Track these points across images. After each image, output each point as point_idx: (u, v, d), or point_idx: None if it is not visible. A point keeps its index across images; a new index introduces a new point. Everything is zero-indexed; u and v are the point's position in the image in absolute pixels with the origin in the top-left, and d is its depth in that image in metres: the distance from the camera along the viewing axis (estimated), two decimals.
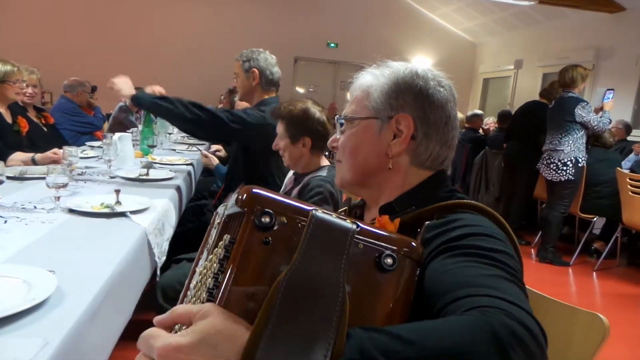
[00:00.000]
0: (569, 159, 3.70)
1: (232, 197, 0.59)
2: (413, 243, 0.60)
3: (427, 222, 0.71)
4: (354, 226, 0.55)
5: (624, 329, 2.83)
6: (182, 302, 0.71)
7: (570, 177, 3.72)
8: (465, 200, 0.74)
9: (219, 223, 0.66)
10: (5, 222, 1.37)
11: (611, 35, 6.45)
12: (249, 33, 8.77)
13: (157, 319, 0.54)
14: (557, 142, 3.76)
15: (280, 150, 1.84)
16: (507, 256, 0.62)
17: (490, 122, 6.60)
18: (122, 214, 1.52)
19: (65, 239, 1.28)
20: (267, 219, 0.53)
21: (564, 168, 3.71)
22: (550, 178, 3.83)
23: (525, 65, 8.13)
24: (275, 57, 2.39)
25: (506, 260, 0.61)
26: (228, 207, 0.60)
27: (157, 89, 2.15)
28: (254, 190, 0.56)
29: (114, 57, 8.45)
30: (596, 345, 0.78)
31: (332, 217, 0.55)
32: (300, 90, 10.00)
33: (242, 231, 0.53)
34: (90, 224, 1.42)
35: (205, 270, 0.57)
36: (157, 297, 1.82)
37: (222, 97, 5.69)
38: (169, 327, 0.53)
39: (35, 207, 1.54)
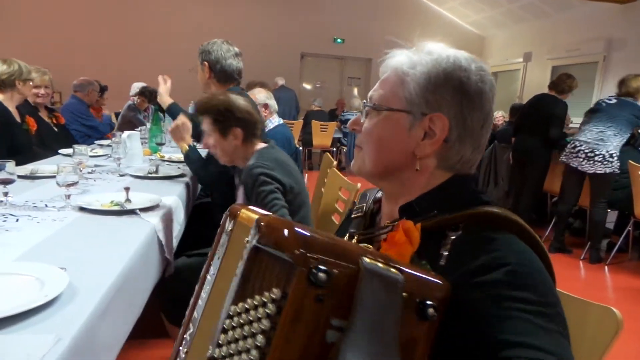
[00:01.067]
0: (615, 152, 3.65)
1: (254, 219, 0.56)
2: (439, 281, 0.60)
3: (452, 237, 0.67)
4: (400, 276, 0.55)
5: (636, 323, 2.80)
6: (192, 309, 0.70)
7: (616, 169, 3.66)
8: (493, 210, 0.68)
9: (229, 232, 0.64)
10: (17, 220, 1.38)
11: (622, 26, 6.35)
12: (255, 29, 8.77)
13: None
14: (608, 135, 3.67)
15: (211, 147, 1.77)
16: (547, 296, 0.61)
17: (499, 116, 6.54)
18: (132, 212, 1.53)
19: (76, 236, 1.29)
20: (323, 276, 0.51)
21: (610, 160, 3.64)
22: (592, 171, 3.70)
23: (534, 58, 8.06)
24: (236, 48, 2.33)
25: (548, 304, 0.60)
26: (252, 233, 0.55)
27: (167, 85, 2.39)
28: (298, 230, 0.53)
29: (121, 56, 8.51)
30: (609, 339, 0.77)
31: (380, 267, 0.55)
32: (307, 86, 10.00)
33: (295, 289, 0.50)
34: (101, 222, 1.43)
35: (247, 317, 0.54)
36: (160, 296, 1.81)
37: None
38: None
39: (46, 206, 1.55)
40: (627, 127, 3.67)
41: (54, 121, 3.46)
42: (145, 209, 1.56)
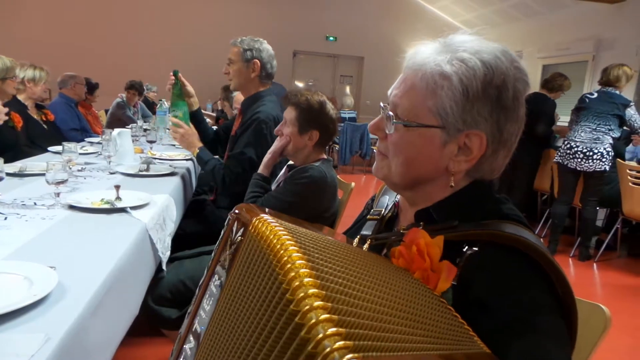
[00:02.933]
0: (610, 150, 3.66)
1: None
2: None
3: (468, 252, 0.62)
4: None
5: (624, 319, 2.83)
6: (192, 320, 0.67)
7: (607, 167, 3.67)
8: (519, 237, 0.62)
9: (237, 242, 0.60)
10: (6, 218, 1.37)
11: (611, 25, 6.42)
12: (248, 27, 8.68)
13: None
14: (603, 132, 3.67)
15: (282, 136, 1.78)
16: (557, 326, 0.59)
17: None
18: (123, 210, 1.52)
19: (65, 235, 1.28)
20: None
21: (607, 157, 3.64)
22: (592, 169, 3.69)
23: (525, 56, 8.10)
24: (272, 50, 2.33)
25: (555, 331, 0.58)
26: None
27: None
28: None
29: (113, 53, 8.44)
30: (597, 335, 0.78)
31: None
32: (300, 84, 9.98)
33: None
34: (91, 220, 1.42)
35: None
36: (146, 299, 1.80)
37: (219, 100, 5.68)
38: None
39: (35, 204, 1.54)
40: (616, 123, 3.69)
41: (44, 118, 3.42)
42: (136, 207, 1.55)
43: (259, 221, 0.57)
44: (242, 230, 0.61)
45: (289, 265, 0.47)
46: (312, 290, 0.44)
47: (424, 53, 0.69)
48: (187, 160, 2.74)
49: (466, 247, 0.63)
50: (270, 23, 9.02)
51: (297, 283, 0.45)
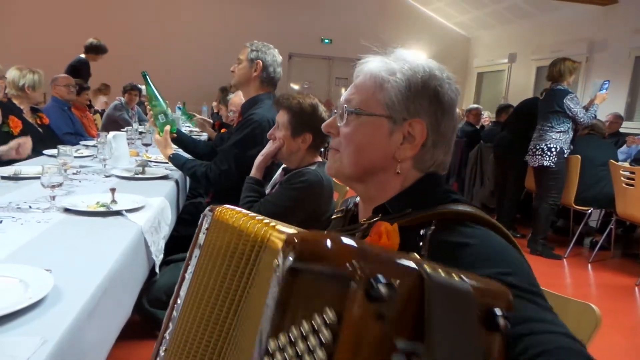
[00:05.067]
0: (553, 145, 3.81)
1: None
2: (500, 286, 0.54)
3: (429, 232, 0.68)
4: (467, 285, 0.49)
5: (618, 319, 2.86)
6: (172, 309, 0.73)
7: (552, 164, 3.79)
8: (466, 210, 0.70)
9: (205, 230, 0.69)
10: (1, 222, 1.36)
11: (604, 28, 6.47)
12: (243, 29, 8.73)
13: None
14: (545, 131, 3.86)
15: (274, 139, 1.78)
16: (529, 278, 0.65)
17: (485, 118, 6.61)
18: (118, 213, 1.52)
19: (61, 238, 1.28)
20: (385, 290, 0.43)
21: (548, 153, 3.81)
22: (535, 165, 3.92)
23: (519, 58, 8.16)
24: (282, 58, 2.36)
25: (533, 285, 0.64)
26: (284, 253, 0.46)
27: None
28: (343, 239, 0.45)
29: (107, 55, 8.39)
30: (588, 334, 0.80)
31: (445, 276, 0.48)
32: (295, 86, 9.98)
33: (354, 307, 0.43)
34: (86, 223, 1.42)
35: (293, 351, 0.44)
36: (142, 302, 1.81)
37: (214, 103, 5.65)
38: None
39: (30, 207, 1.54)
40: (558, 119, 3.80)
41: (38, 122, 3.41)
42: (131, 210, 1.55)
43: (221, 210, 0.66)
44: (208, 222, 0.68)
45: (251, 221, 0.58)
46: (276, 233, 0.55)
47: (372, 62, 0.80)
48: None
49: (424, 230, 0.69)
50: (266, 25, 9.03)
51: (264, 230, 0.55)
